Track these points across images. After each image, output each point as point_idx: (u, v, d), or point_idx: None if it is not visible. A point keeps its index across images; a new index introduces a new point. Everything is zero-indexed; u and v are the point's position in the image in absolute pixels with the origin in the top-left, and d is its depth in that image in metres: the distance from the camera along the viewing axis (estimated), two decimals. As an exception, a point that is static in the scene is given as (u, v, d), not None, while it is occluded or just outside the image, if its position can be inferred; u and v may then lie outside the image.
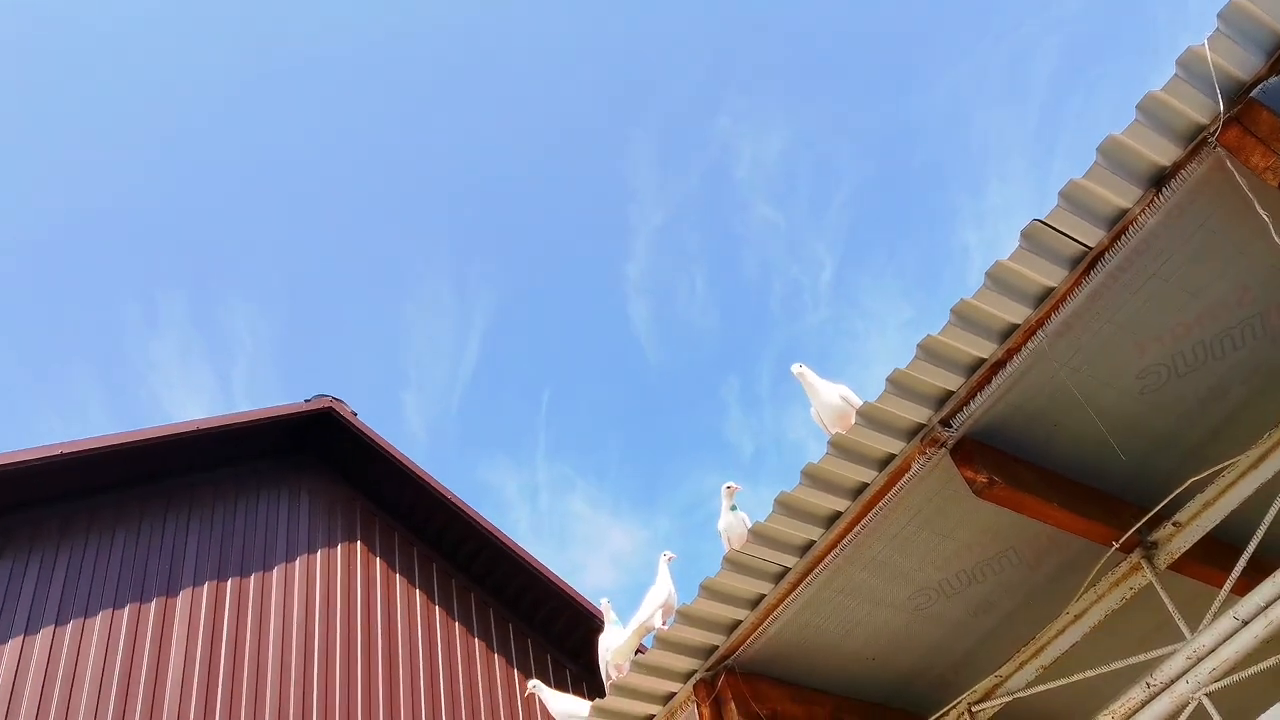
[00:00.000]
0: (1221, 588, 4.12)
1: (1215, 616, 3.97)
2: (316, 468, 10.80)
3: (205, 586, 9.15)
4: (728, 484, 5.34)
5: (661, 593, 5.51)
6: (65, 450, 8.79)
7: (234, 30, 21.02)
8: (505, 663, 10.53)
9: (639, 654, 4.90)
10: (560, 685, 10.55)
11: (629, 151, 27.23)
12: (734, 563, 4.45)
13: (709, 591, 4.52)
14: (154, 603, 8.76)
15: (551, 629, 10.98)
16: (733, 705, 4.59)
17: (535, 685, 6.19)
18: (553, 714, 5.98)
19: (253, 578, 9.49)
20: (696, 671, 4.76)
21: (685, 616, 4.60)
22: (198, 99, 21.80)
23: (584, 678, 10.78)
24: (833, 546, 4.39)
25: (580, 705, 5.75)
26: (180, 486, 9.73)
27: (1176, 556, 4.27)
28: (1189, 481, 4.11)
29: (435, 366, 28.59)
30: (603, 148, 26.99)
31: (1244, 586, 4.01)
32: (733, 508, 5.27)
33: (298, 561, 9.90)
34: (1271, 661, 3.85)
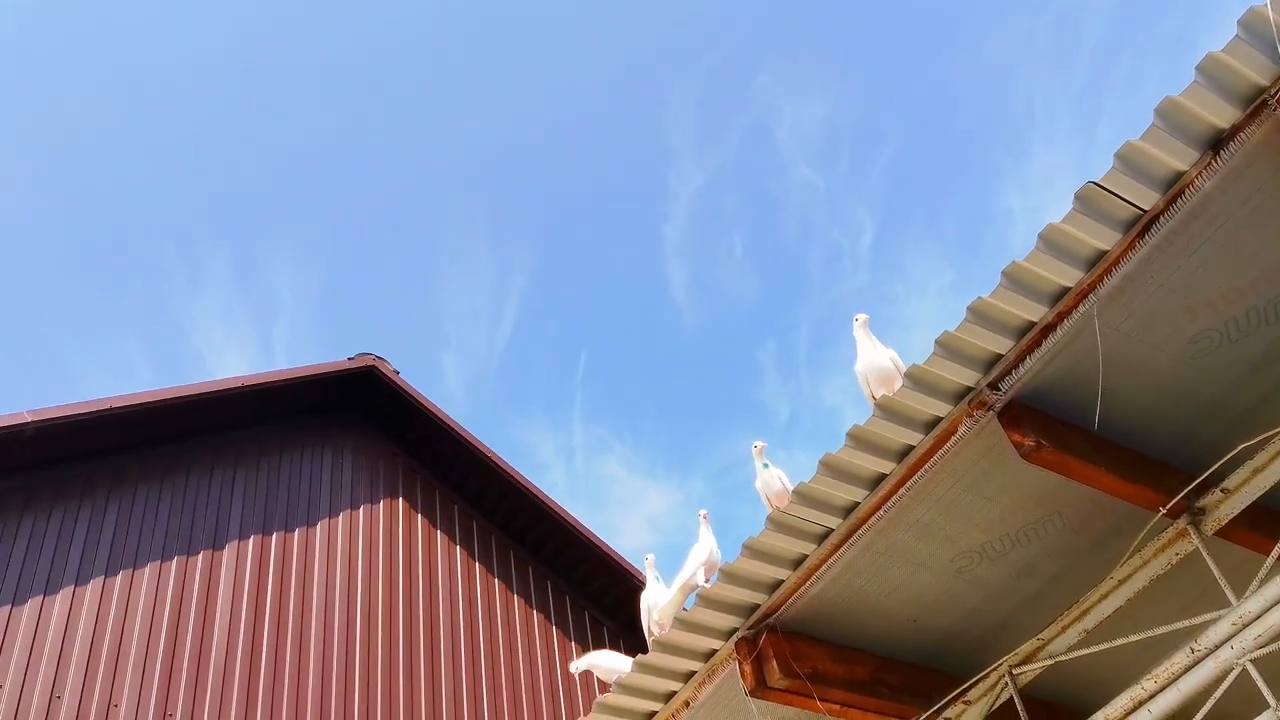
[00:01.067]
0: (1269, 555, 4.09)
1: (1262, 583, 3.96)
2: (359, 425, 10.93)
3: (250, 541, 9.31)
4: (756, 443, 5.37)
5: (704, 550, 5.54)
6: (115, 405, 8.95)
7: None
8: (544, 619, 10.66)
9: (682, 612, 4.94)
10: (598, 643, 10.68)
11: (668, 113, 27.11)
12: (777, 522, 4.47)
13: (752, 550, 4.55)
14: (200, 556, 8.92)
15: (589, 587, 11.10)
16: (774, 663, 4.63)
17: (581, 663, 6.18)
18: (596, 669, 6.04)
19: (297, 533, 9.64)
20: (738, 630, 4.80)
21: (728, 575, 4.63)
22: (248, 64, 21.91)
23: (620, 635, 10.90)
24: (877, 508, 4.40)
25: (621, 660, 5.82)
26: (226, 442, 9.88)
27: (1224, 523, 4.25)
28: (1239, 447, 4.08)
29: (474, 327, 28.75)
30: (642, 109, 26.87)
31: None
32: (765, 465, 5.30)
33: (340, 517, 10.05)
34: (1320, 628, 3.83)
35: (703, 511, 5.76)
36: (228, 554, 9.09)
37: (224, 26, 21.32)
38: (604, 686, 6.07)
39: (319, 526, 9.84)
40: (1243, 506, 4.23)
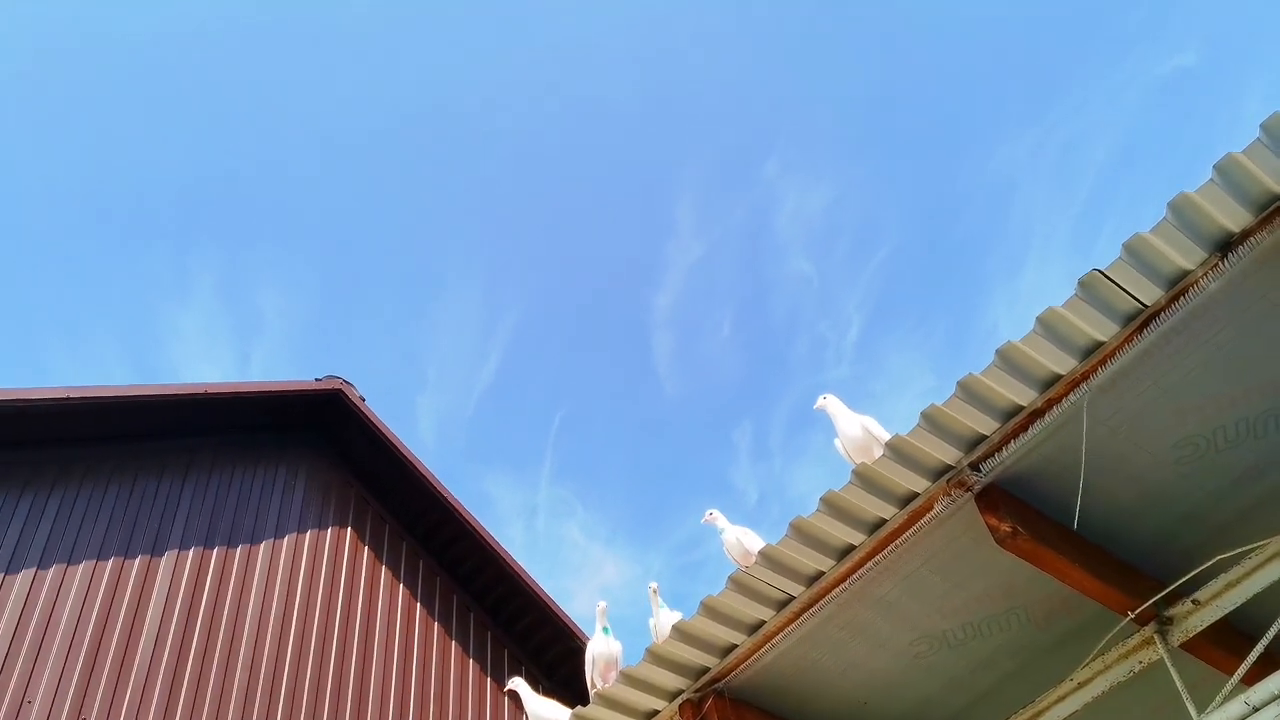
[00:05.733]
0: (1233, 675, 4.00)
1: (1226, 699, 3.86)
2: (318, 448, 10.73)
3: (191, 551, 9.05)
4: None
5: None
6: (72, 395, 8.75)
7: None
8: (480, 669, 10.40)
9: (629, 667, 4.78)
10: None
11: (675, 184, 27.30)
12: (738, 583, 4.35)
13: (709, 610, 4.42)
14: (138, 560, 8.66)
15: (530, 641, 10.86)
16: (717, 729, 4.49)
17: (516, 683, 6.09)
18: (529, 714, 5.86)
19: (239, 549, 9.40)
20: (684, 691, 4.66)
21: (681, 633, 4.50)
22: (258, 81, 21.94)
23: (555, 692, 10.63)
24: (842, 580, 4.29)
25: (559, 712, 5.64)
26: (179, 448, 9.66)
27: (1192, 635, 4.14)
28: (1215, 559, 4.00)
29: (455, 373, 28.55)
30: (649, 178, 27.06)
31: (1255, 676, 3.90)
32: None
33: (286, 539, 9.81)
34: (1281, 754, 3.73)
35: (653, 585, 5.66)
36: (165, 561, 8.82)
37: (236, 40, 21.37)
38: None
39: (262, 546, 9.59)
40: (1212, 620, 4.13)
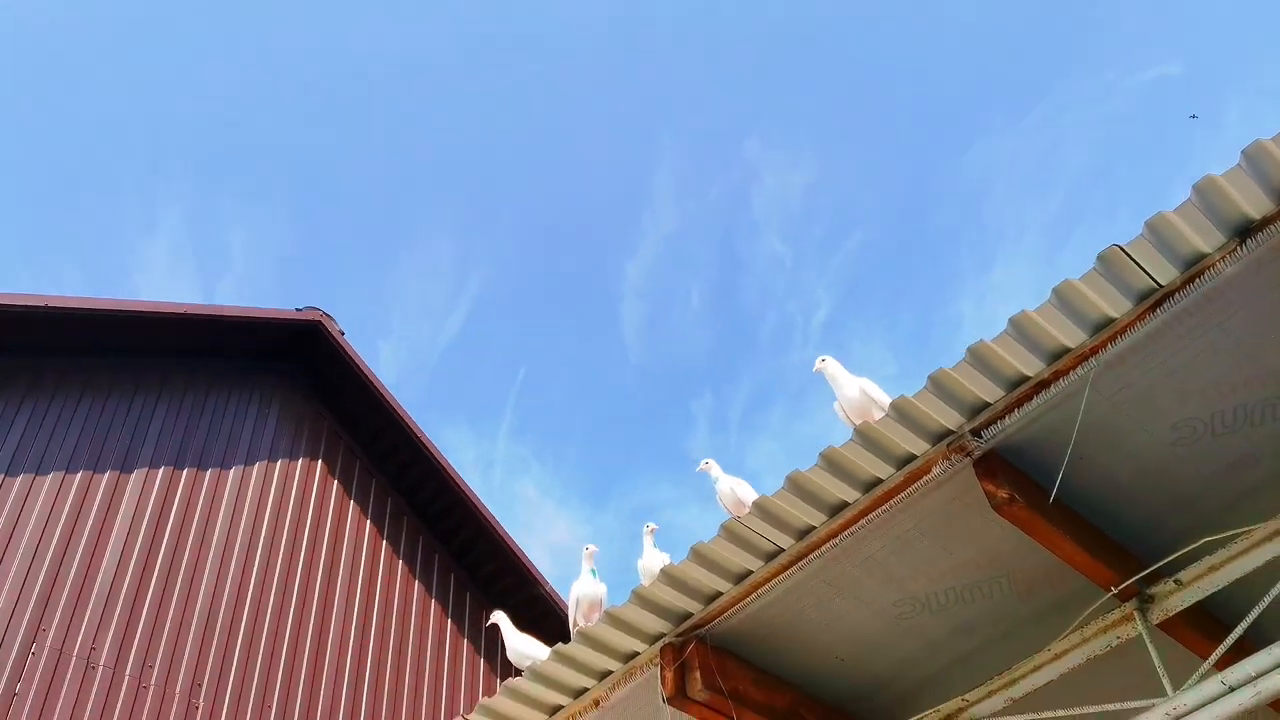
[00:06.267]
0: (1208, 658, 4.08)
1: (1202, 678, 3.94)
2: (293, 379, 10.66)
3: (160, 471, 8.99)
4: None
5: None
6: (50, 303, 8.64)
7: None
8: (441, 610, 10.43)
9: (612, 607, 4.80)
10: (490, 641, 10.46)
11: (656, 154, 27.21)
12: (730, 531, 4.37)
13: (698, 556, 4.44)
14: (106, 475, 8.59)
15: (493, 587, 10.89)
16: (698, 674, 4.52)
17: (499, 617, 6.11)
18: (509, 649, 5.89)
19: (209, 472, 9.34)
20: (666, 635, 4.68)
21: (669, 577, 4.52)
22: (240, 17, 21.55)
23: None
24: (833, 535, 4.32)
25: (538, 649, 5.66)
26: (155, 366, 9.57)
27: (1171, 614, 4.23)
28: (1202, 541, 4.07)
29: (420, 322, 28.42)
30: (632, 146, 26.94)
31: (1227, 662, 3.97)
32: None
33: (255, 467, 9.76)
34: (1250, 733, 3.82)
35: (650, 524, 5.72)
36: (134, 479, 8.75)
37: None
38: (492, 675, 5.95)
39: (232, 471, 9.53)
40: (1192, 601, 4.21)
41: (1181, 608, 4.25)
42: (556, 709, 5.00)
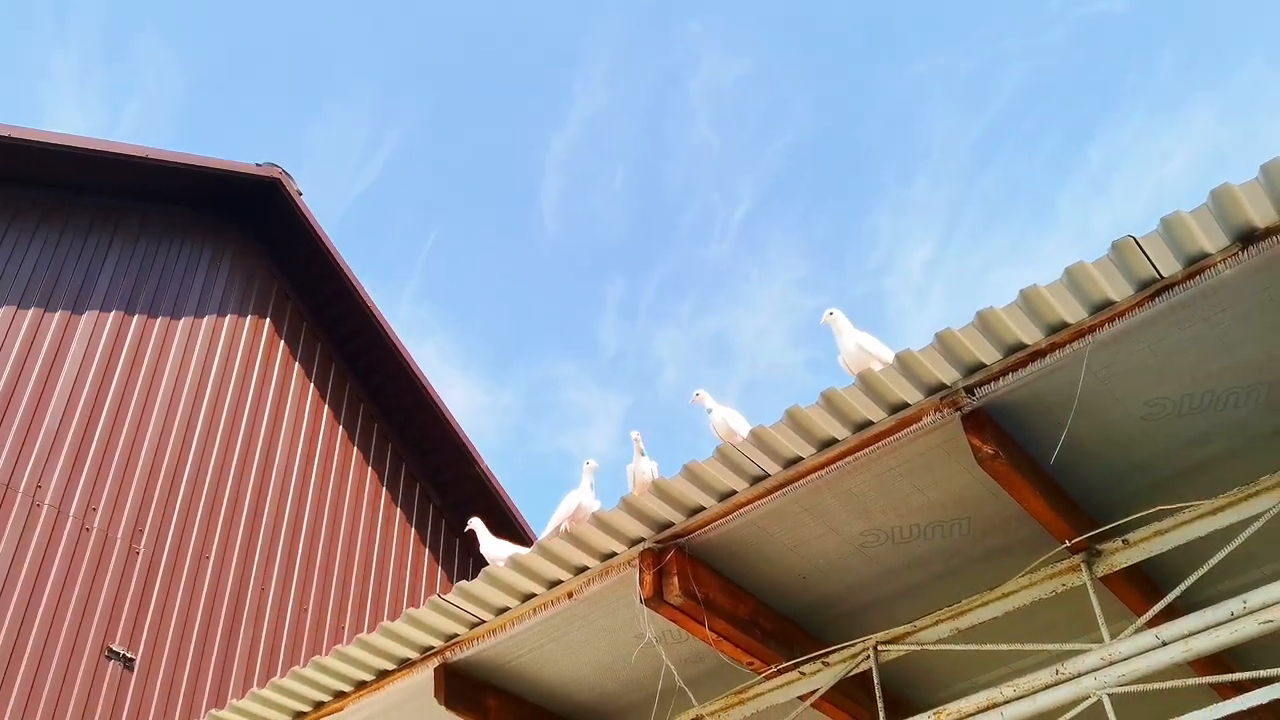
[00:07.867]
0: (1142, 615, 4.51)
1: (1137, 630, 4.37)
2: (246, 233, 10.56)
3: (111, 314, 8.93)
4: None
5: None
6: (4, 134, 8.39)
7: None
8: (377, 478, 10.62)
9: (600, 510, 5.04)
10: (421, 515, 10.71)
11: (596, 24, 26.75)
12: (723, 454, 4.64)
13: (689, 473, 4.70)
14: (58, 315, 8.51)
15: (429, 460, 11.10)
16: (675, 579, 4.82)
17: (475, 523, 6.32)
18: (483, 550, 6.13)
19: (159, 320, 9.30)
20: (646, 540, 4.96)
21: (658, 489, 4.78)
22: None
23: (445, 513, 10.95)
24: (819, 467, 4.62)
25: (515, 551, 5.90)
26: (109, 207, 9.42)
27: (1115, 570, 4.65)
28: (1157, 508, 4.47)
29: (332, 173, 27.85)
30: (570, 16, 26.43)
31: (1157, 622, 4.40)
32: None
33: (205, 320, 9.74)
34: (1173, 684, 4.26)
35: (635, 433, 5.96)
36: (85, 320, 8.68)
37: None
38: (421, 544, 6.19)
39: (182, 321, 9.49)
40: (1136, 560, 4.64)
41: (1124, 565, 4.68)
42: (530, 596, 5.27)
